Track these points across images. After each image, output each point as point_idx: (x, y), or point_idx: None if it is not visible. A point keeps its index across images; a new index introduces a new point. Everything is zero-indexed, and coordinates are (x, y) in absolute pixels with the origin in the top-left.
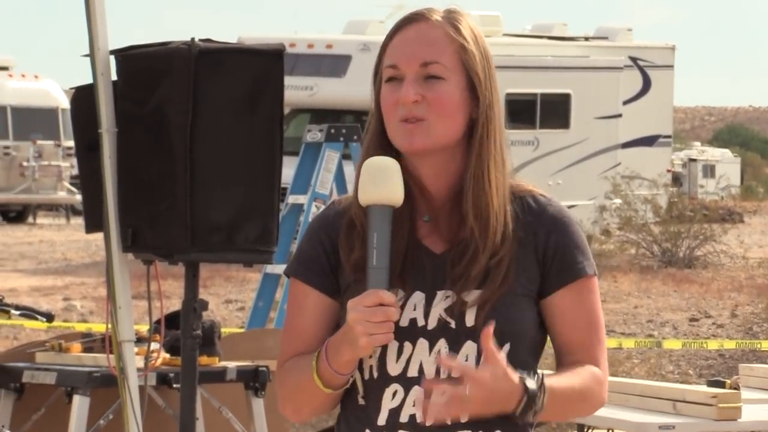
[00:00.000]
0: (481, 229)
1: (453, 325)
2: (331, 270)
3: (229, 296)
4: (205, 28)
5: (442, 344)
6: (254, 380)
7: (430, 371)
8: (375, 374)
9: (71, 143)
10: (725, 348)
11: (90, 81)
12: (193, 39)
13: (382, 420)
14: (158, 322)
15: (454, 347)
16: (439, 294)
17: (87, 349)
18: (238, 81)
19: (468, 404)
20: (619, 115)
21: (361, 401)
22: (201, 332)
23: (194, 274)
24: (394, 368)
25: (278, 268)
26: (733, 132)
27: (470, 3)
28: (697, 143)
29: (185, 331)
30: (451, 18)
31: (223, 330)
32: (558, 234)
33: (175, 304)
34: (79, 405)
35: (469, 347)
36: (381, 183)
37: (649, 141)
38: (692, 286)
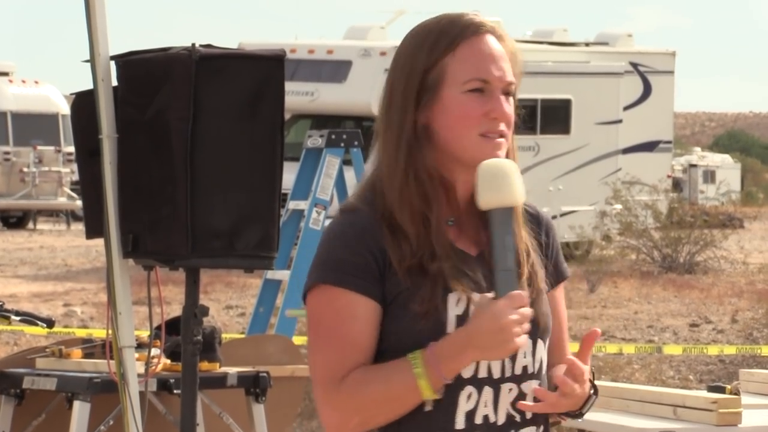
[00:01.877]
0: (518, 230)
1: None
2: (380, 276)
3: (230, 302)
4: (206, 34)
5: None
6: (255, 386)
7: (497, 370)
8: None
9: (72, 149)
10: (725, 353)
11: (90, 87)
12: (193, 44)
13: (460, 423)
14: (159, 327)
15: None
16: (491, 295)
17: (87, 355)
18: (239, 86)
19: (561, 407)
20: (620, 121)
21: (428, 408)
22: (201, 338)
23: (195, 279)
24: (466, 371)
25: (279, 274)
26: (734, 138)
27: (470, 8)
28: (698, 149)
29: (186, 337)
30: (500, 31)
31: (223, 336)
32: (552, 236)
33: (175, 310)
34: (80, 411)
35: (527, 344)
36: (507, 185)
37: (649, 146)
38: (693, 291)
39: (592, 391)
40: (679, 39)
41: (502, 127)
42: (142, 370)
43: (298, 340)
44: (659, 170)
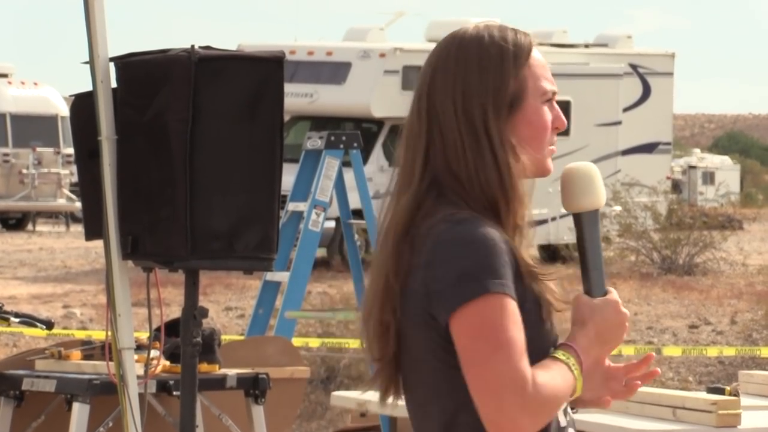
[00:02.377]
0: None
1: None
2: (515, 281)
3: (229, 303)
4: (205, 36)
5: None
6: (254, 387)
7: None
8: None
9: (71, 150)
10: (725, 355)
11: (90, 88)
12: (192, 46)
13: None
14: (158, 329)
15: None
16: None
17: (87, 357)
18: (238, 88)
19: None
20: (619, 122)
21: None
22: (201, 339)
23: (194, 281)
24: None
25: (278, 276)
26: (733, 139)
27: (470, 10)
28: (697, 150)
29: (185, 339)
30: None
31: (223, 337)
32: None
33: (174, 312)
34: (79, 412)
35: None
36: (598, 188)
37: (648, 148)
38: (692, 293)
39: None
40: (679, 40)
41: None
42: (141, 371)
43: (298, 341)
44: (658, 172)
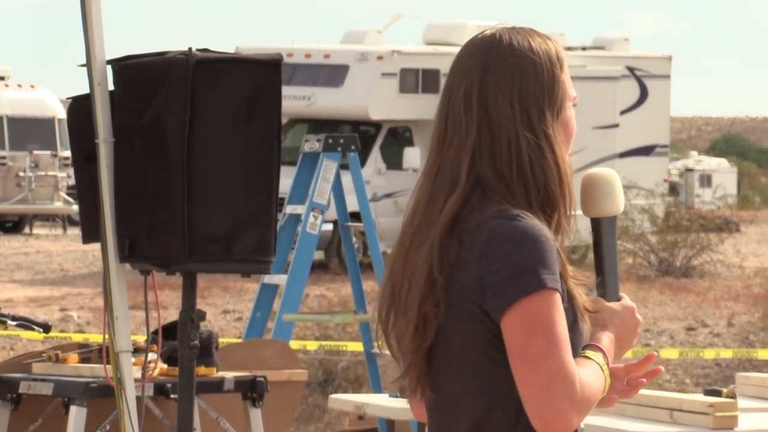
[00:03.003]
0: None
1: None
2: None
3: (227, 306)
4: (203, 38)
5: None
6: (252, 390)
7: None
8: None
9: (68, 153)
10: (722, 357)
11: (87, 91)
12: (190, 49)
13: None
14: (156, 332)
15: None
16: None
17: (84, 360)
18: (236, 91)
19: None
20: (616, 125)
21: None
22: (198, 342)
23: (192, 284)
24: None
25: (276, 278)
26: (730, 142)
27: (467, 13)
28: (694, 153)
29: (183, 342)
30: None
31: (220, 340)
32: None
33: (172, 315)
34: (76, 416)
35: None
36: (618, 194)
37: (646, 151)
38: (689, 295)
39: None
40: (676, 43)
41: None
42: (138, 374)
43: (295, 344)
44: (656, 174)
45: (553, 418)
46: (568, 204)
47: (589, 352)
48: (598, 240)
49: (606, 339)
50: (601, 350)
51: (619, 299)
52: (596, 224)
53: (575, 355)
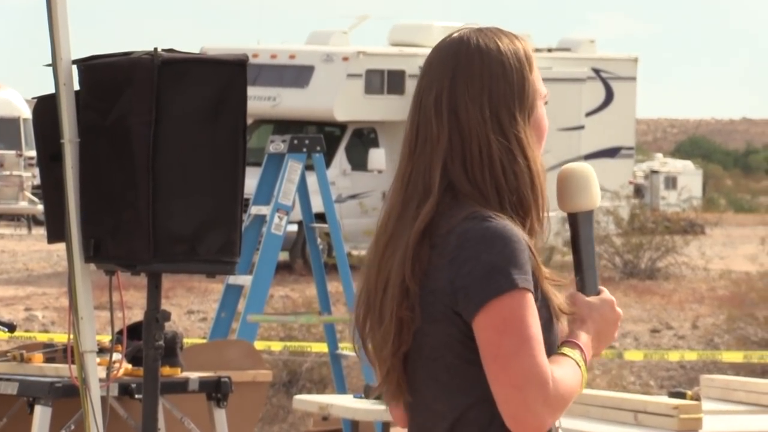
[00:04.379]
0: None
1: None
2: None
3: (192, 307)
4: (169, 38)
5: None
6: (216, 391)
7: None
8: None
9: (33, 153)
10: (686, 359)
11: (52, 91)
12: (155, 49)
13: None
14: (120, 332)
15: None
16: None
17: (49, 360)
18: (201, 91)
19: None
20: (582, 127)
21: None
22: (163, 343)
23: (156, 284)
24: None
25: (241, 279)
26: (695, 144)
27: (434, 14)
28: (660, 155)
29: (147, 342)
30: None
31: (185, 341)
32: None
33: (137, 315)
34: (41, 415)
35: None
36: (591, 189)
37: (611, 153)
38: (654, 297)
39: None
40: (642, 45)
41: None
42: (103, 374)
43: (260, 345)
44: (621, 176)
45: (526, 417)
46: (540, 206)
47: (565, 349)
48: (576, 235)
49: (584, 335)
50: (579, 346)
51: (598, 293)
52: (573, 219)
53: (552, 354)
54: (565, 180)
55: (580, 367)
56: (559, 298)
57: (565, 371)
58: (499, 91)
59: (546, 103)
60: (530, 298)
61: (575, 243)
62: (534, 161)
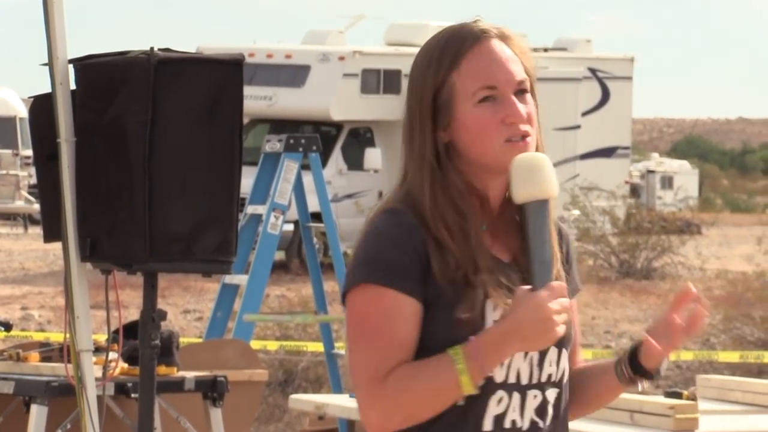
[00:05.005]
0: (553, 232)
1: None
2: (424, 277)
3: (188, 306)
4: (165, 38)
5: (533, 351)
6: (212, 390)
7: (525, 377)
8: (481, 381)
9: (29, 152)
10: (682, 359)
11: (49, 90)
12: (152, 48)
13: (488, 426)
14: (116, 331)
15: (542, 353)
16: None
17: (45, 359)
18: (198, 91)
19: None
20: (578, 127)
21: (461, 403)
22: (159, 342)
23: (153, 284)
24: (498, 375)
25: (237, 279)
26: (692, 143)
27: (429, 14)
28: (656, 154)
29: (143, 341)
30: (505, 32)
31: (181, 340)
32: (570, 248)
33: (133, 314)
34: (37, 414)
35: (552, 353)
36: (542, 178)
37: (607, 152)
38: (650, 297)
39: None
40: (638, 45)
41: (524, 127)
42: (99, 373)
43: (256, 344)
44: (617, 176)
45: (361, 415)
46: (429, 213)
47: (452, 348)
48: (524, 225)
49: (493, 331)
50: (470, 344)
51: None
52: (522, 209)
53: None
54: (512, 170)
55: (455, 364)
56: (498, 295)
57: (413, 372)
58: (411, 90)
59: (485, 99)
60: (386, 294)
61: (525, 235)
62: (412, 172)
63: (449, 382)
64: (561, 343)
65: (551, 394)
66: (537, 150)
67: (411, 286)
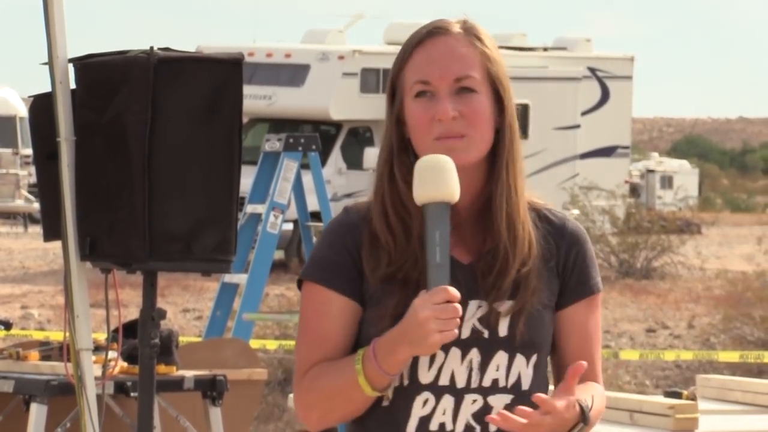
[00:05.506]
0: (511, 239)
1: (486, 335)
2: (358, 275)
3: (187, 305)
4: (165, 37)
5: (474, 354)
6: (212, 389)
7: (461, 380)
8: (405, 381)
9: (29, 151)
10: (682, 359)
11: (48, 89)
12: (151, 48)
13: (411, 428)
14: (116, 330)
15: (486, 357)
16: (472, 304)
17: (45, 358)
18: (197, 90)
19: (541, 429)
20: (578, 126)
21: (386, 403)
22: (159, 341)
23: (152, 283)
24: (425, 376)
25: (236, 278)
26: (692, 143)
27: (428, 13)
28: (655, 154)
29: (143, 340)
30: (471, 29)
31: (180, 339)
32: (578, 249)
33: (132, 313)
34: (37, 413)
35: (500, 357)
36: (440, 180)
37: (607, 152)
38: (649, 297)
39: (581, 422)
40: (638, 44)
41: (458, 127)
42: (99, 372)
43: (255, 343)
44: (617, 175)
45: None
46: (376, 205)
47: (361, 349)
48: (422, 228)
49: (383, 337)
50: (371, 345)
51: None
52: (421, 211)
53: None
54: (414, 170)
55: (355, 363)
56: (392, 302)
57: (325, 371)
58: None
59: (421, 95)
60: (316, 290)
61: (422, 237)
62: (380, 156)
63: (351, 382)
64: (513, 348)
65: (498, 400)
66: (501, 154)
67: (342, 284)
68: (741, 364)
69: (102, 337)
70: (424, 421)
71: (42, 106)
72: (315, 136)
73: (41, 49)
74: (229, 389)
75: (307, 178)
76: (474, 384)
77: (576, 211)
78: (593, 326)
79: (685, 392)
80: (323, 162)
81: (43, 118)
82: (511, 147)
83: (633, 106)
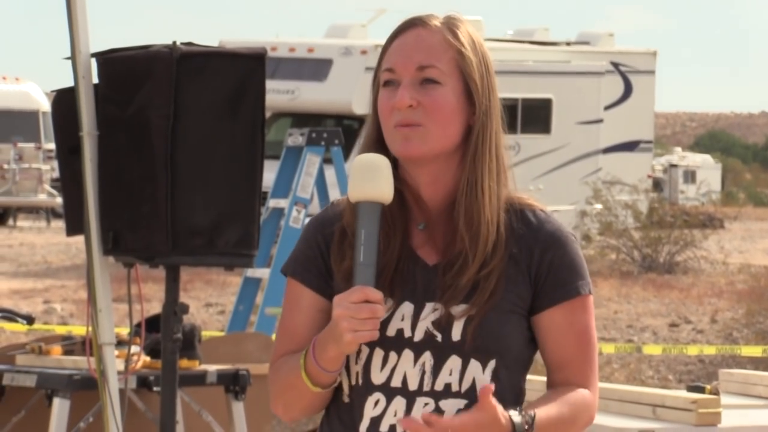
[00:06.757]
0: (471, 238)
1: (439, 338)
2: (326, 271)
3: (210, 299)
4: (187, 32)
5: (427, 357)
6: (234, 384)
7: (413, 383)
8: (360, 381)
9: (52, 146)
10: (705, 353)
11: (71, 84)
12: (174, 42)
13: (363, 428)
14: (139, 325)
15: (439, 361)
16: (428, 306)
17: (67, 352)
18: (220, 84)
19: None
20: (601, 121)
21: (346, 401)
22: (181, 335)
23: (175, 277)
24: (377, 377)
25: (259, 272)
26: (714, 138)
27: (451, 7)
28: (678, 149)
29: (165, 335)
30: (450, 23)
31: (203, 333)
32: (554, 252)
33: (155, 308)
34: (59, 408)
35: (453, 362)
36: (370, 179)
37: (630, 146)
38: (672, 291)
39: (526, 427)
40: (661, 39)
41: (415, 116)
42: (121, 367)
43: None
44: (639, 170)
45: None
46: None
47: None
48: (355, 226)
49: (321, 333)
50: (314, 339)
51: None
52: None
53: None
54: (351, 168)
55: (299, 363)
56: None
57: (283, 364)
58: None
59: (387, 83)
60: (290, 283)
61: (353, 234)
62: (360, 147)
63: (299, 377)
64: (468, 353)
65: (450, 404)
66: (437, 146)
67: (311, 279)
68: (764, 359)
69: (125, 331)
70: (375, 422)
71: (65, 101)
72: (338, 130)
73: (64, 43)
74: (252, 384)
75: (330, 173)
76: (426, 387)
77: (599, 206)
78: (578, 330)
79: (708, 387)
80: (346, 156)
81: (65, 113)
82: (481, 145)
83: (656, 101)
